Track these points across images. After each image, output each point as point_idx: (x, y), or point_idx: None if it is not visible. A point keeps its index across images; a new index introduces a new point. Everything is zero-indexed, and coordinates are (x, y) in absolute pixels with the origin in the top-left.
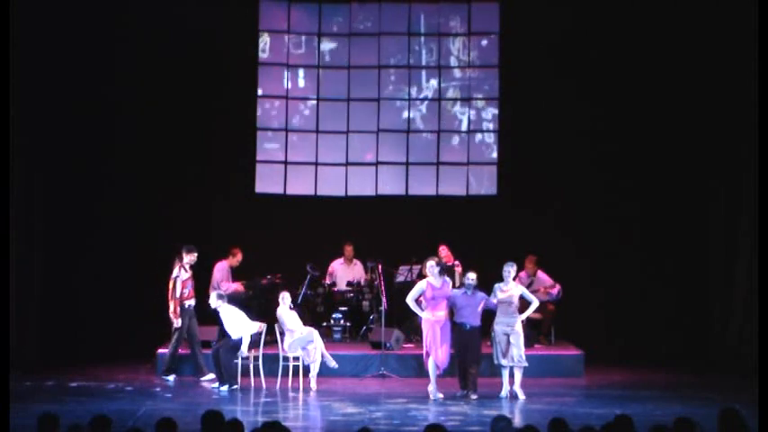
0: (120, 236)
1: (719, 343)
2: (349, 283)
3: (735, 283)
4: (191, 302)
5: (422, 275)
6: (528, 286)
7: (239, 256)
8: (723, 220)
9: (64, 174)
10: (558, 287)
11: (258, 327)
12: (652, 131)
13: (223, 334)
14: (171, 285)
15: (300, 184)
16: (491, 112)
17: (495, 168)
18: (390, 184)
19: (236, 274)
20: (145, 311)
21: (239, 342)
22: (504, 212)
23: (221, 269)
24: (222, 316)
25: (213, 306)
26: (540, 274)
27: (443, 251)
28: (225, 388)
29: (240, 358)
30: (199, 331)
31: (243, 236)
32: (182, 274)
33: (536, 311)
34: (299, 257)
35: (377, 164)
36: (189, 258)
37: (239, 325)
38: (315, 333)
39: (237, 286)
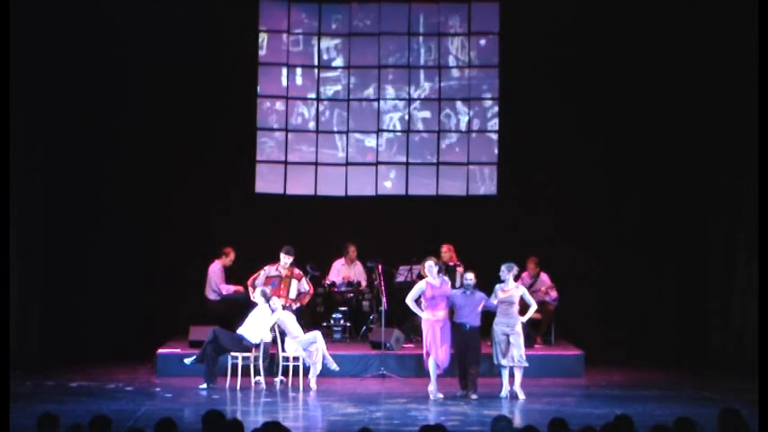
0: (120, 236)
1: (719, 343)
2: (349, 283)
3: (735, 283)
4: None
5: (421, 276)
6: (529, 287)
7: (232, 256)
8: (723, 220)
9: (64, 173)
10: (555, 294)
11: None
12: (652, 131)
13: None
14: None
15: (300, 184)
16: (491, 111)
17: (495, 168)
18: (390, 184)
19: (233, 273)
20: (145, 312)
21: (241, 338)
22: (504, 212)
23: (216, 271)
24: (254, 310)
25: (253, 299)
26: (543, 276)
27: (447, 252)
28: (204, 385)
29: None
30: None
31: (243, 236)
32: (269, 272)
33: (536, 311)
34: (299, 257)
35: (377, 164)
36: (284, 260)
37: (259, 328)
38: (318, 335)
39: (237, 288)
